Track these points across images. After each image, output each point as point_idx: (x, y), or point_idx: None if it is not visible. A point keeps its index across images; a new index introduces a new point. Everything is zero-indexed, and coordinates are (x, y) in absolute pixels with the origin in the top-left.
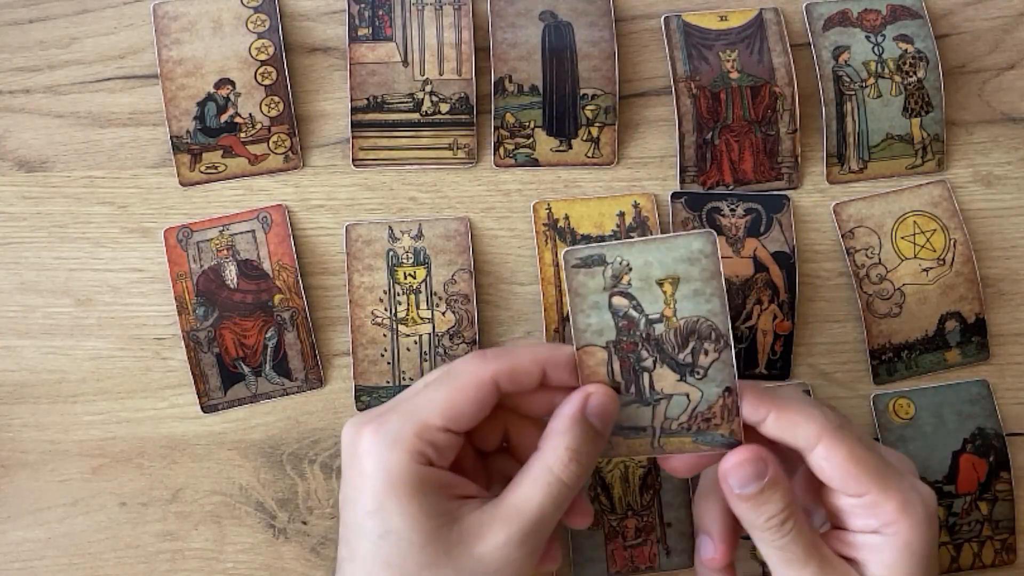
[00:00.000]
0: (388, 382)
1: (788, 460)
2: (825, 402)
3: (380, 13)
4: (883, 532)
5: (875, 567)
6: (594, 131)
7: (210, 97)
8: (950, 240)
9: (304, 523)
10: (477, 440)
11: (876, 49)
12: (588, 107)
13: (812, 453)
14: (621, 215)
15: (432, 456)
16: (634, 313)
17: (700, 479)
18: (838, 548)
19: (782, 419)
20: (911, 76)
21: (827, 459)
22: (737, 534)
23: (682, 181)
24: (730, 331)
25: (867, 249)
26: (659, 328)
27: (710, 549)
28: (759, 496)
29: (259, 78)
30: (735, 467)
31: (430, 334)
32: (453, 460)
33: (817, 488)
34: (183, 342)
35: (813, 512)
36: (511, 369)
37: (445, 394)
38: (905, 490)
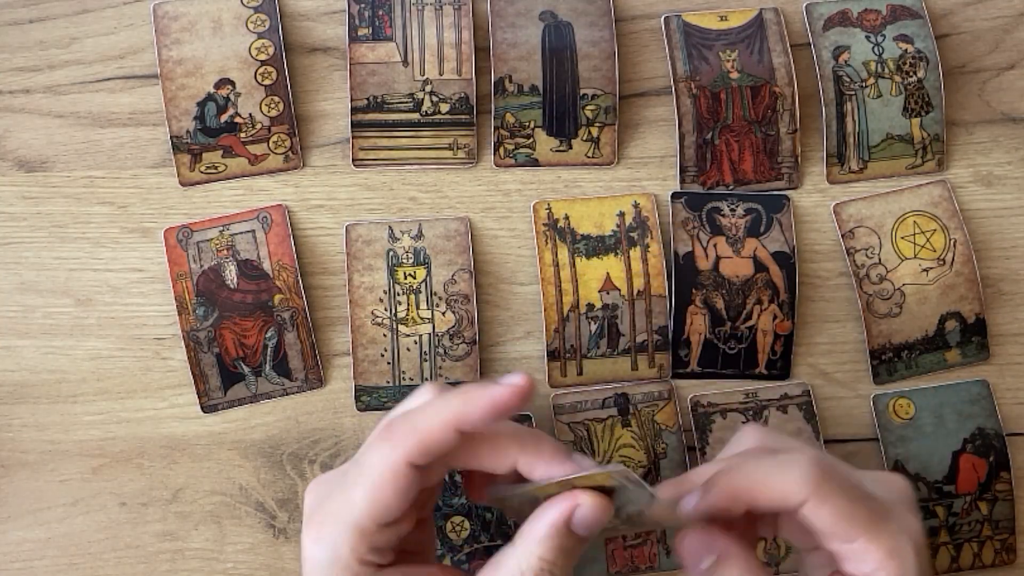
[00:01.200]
0: (388, 382)
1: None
2: (825, 402)
3: (380, 13)
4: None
5: None
6: (594, 131)
7: (210, 97)
8: (950, 240)
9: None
10: (430, 483)
11: (876, 49)
12: (588, 107)
13: (799, 514)
14: (621, 215)
15: (377, 558)
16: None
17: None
18: None
19: (762, 500)
20: (911, 76)
21: (814, 517)
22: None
23: (682, 181)
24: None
25: (867, 249)
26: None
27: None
28: (714, 570)
29: (259, 78)
30: (684, 545)
31: (430, 334)
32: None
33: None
34: (183, 342)
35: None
36: (421, 448)
37: (365, 493)
38: (893, 534)
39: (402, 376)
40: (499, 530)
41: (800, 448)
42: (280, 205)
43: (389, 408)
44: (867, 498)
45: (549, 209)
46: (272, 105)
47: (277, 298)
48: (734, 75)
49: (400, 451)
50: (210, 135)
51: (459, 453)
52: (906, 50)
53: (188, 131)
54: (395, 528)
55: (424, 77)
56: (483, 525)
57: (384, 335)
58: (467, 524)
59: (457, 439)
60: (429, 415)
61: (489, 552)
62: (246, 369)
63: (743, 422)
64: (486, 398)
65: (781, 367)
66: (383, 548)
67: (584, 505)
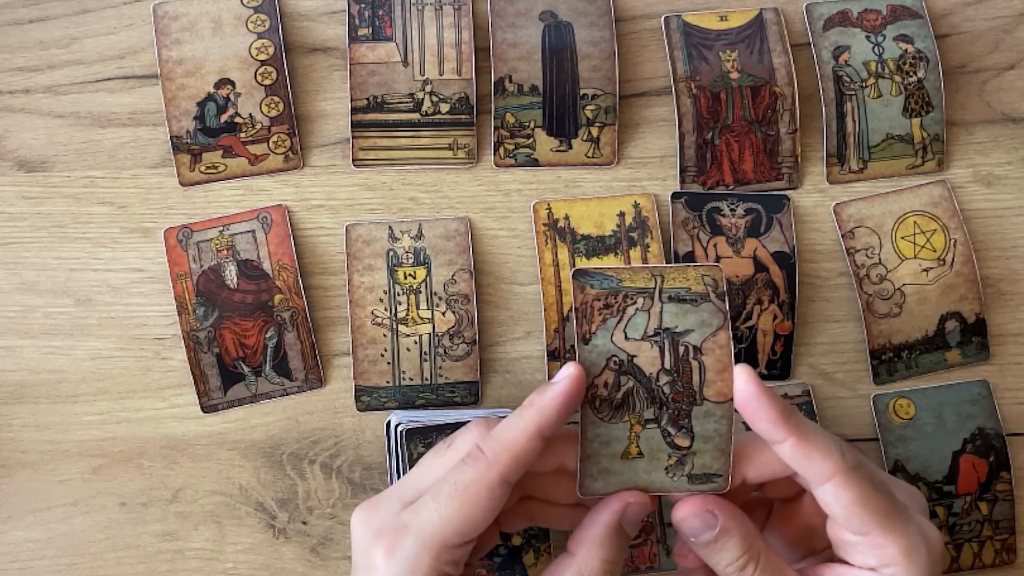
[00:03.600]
0: (388, 382)
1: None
2: (825, 402)
3: (380, 13)
4: (881, 572)
5: None
6: (594, 131)
7: (210, 97)
8: (950, 240)
9: (304, 523)
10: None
11: (876, 49)
12: (588, 107)
13: (820, 488)
14: (621, 215)
15: (452, 571)
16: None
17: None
18: None
19: (799, 449)
20: (911, 76)
21: (835, 498)
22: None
23: (682, 181)
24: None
25: (867, 249)
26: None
27: (682, 557)
28: (714, 544)
29: (259, 78)
30: (684, 520)
31: (430, 334)
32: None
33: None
34: (183, 342)
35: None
36: (515, 462)
37: (457, 510)
38: (911, 534)
39: (402, 376)
40: (505, 535)
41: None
42: (280, 205)
43: (389, 408)
44: (890, 494)
45: (549, 209)
46: (272, 105)
47: (277, 298)
48: (734, 75)
49: (496, 469)
50: (210, 135)
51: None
52: (906, 50)
53: (188, 131)
54: (472, 544)
55: (424, 77)
56: None
57: (384, 335)
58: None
59: (541, 447)
60: (514, 429)
61: (489, 555)
62: (246, 369)
63: None
64: (557, 397)
65: (781, 367)
66: (459, 562)
67: (635, 504)
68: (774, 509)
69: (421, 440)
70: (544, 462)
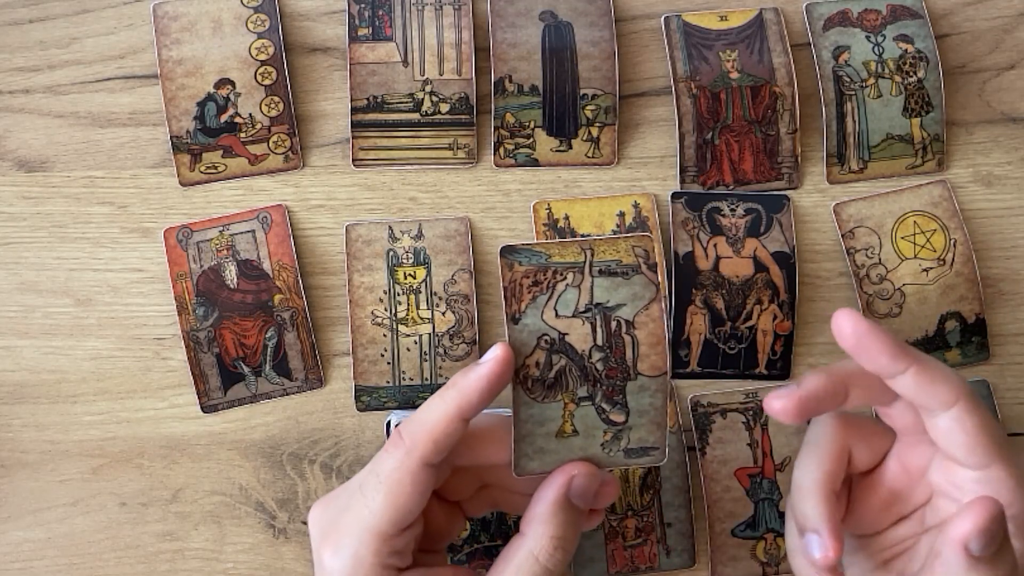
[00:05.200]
0: (388, 382)
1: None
2: None
3: (380, 13)
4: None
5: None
6: (594, 131)
7: (210, 97)
8: (950, 240)
9: (304, 523)
10: (447, 495)
11: (876, 49)
12: (588, 107)
13: (943, 416)
14: (621, 215)
15: (397, 561)
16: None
17: (794, 479)
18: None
19: (923, 375)
20: (911, 76)
21: (960, 424)
22: (841, 529)
23: (682, 181)
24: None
25: (867, 249)
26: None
27: (822, 547)
28: (1000, 556)
29: (259, 78)
30: (981, 531)
31: (430, 334)
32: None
33: (911, 473)
34: (183, 342)
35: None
36: (435, 446)
37: (384, 500)
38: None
39: (402, 376)
40: (499, 530)
41: None
42: (280, 205)
43: (389, 408)
44: (1001, 425)
45: (549, 209)
46: (272, 105)
47: (277, 298)
48: (734, 75)
49: (415, 454)
50: (210, 135)
51: (462, 450)
52: (906, 50)
53: (188, 131)
54: (412, 530)
55: (424, 77)
56: (483, 525)
57: (384, 335)
58: (467, 524)
59: (463, 429)
60: (433, 412)
61: (489, 552)
62: (246, 369)
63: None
64: (480, 379)
65: (781, 367)
66: (403, 551)
67: (579, 475)
68: (854, 486)
69: None
70: (495, 454)
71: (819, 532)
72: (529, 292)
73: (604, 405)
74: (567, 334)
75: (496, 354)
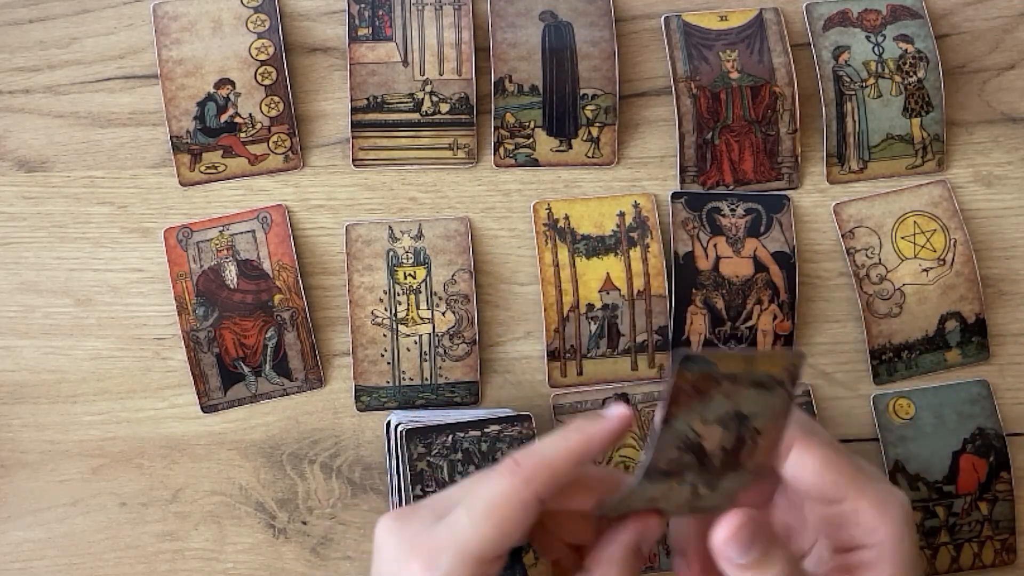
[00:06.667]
0: (388, 382)
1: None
2: (825, 402)
3: (380, 13)
4: (869, 544)
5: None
6: (594, 131)
7: (210, 97)
8: (950, 240)
9: (304, 523)
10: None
11: (876, 49)
12: (588, 107)
13: (785, 463)
14: (621, 215)
15: None
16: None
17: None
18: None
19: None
20: (911, 76)
21: (800, 466)
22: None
23: (682, 181)
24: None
25: (867, 249)
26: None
27: (684, 567)
28: (764, 560)
29: (259, 78)
30: (734, 536)
31: (430, 334)
32: None
33: (799, 510)
34: (183, 342)
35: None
36: (552, 482)
37: (494, 525)
38: (881, 492)
39: (402, 376)
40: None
41: None
42: (280, 205)
43: (389, 408)
44: (852, 456)
45: (549, 209)
46: (272, 105)
47: (277, 298)
48: (734, 75)
49: (532, 486)
50: (210, 135)
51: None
52: (906, 50)
53: (188, 131)
54: (503, 559)
55: (424, 77)
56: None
57: (384, 335)
58: None
59: (576, 471)
60: (557, 449)
61: (509, 567)
62: (246, 369)
63: None
64: (605, 431)
65: None
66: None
67: (653, 526)
68: None
69: (421, 440)
70: (583, 500)
71: (684, 554)
72: (688, 399)
73: (700, 486)
74: (704, 438)
75: (621, 412)
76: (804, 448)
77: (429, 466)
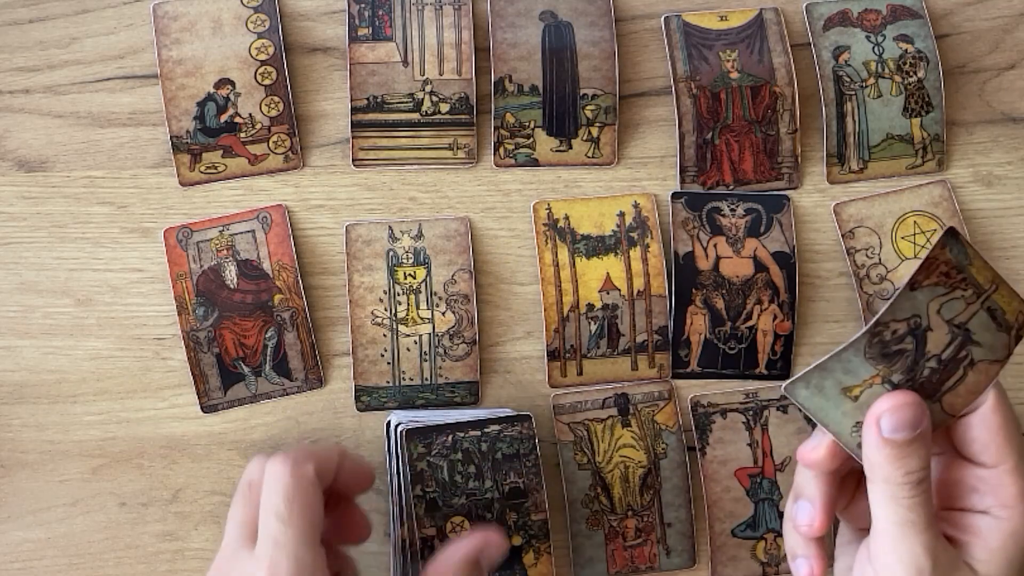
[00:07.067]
0: (388, 382)
1: None
2: None
3: (380, 13)
4: (994, 515)
5: (978, 550)
6: (594, 131)
7: (210, 97)
8: None
9: None
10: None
11: (876, 49)
12: (588, 107)
13: (975, 411)
14: (621, 215)
15: None
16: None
17: (802, 446)
18: (940, 527)
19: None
20: (911, 76)
21: (985, 419)
22: (835, 508)
23: (682, 181)
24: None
25: (867, 249)
26: None
27: (809, 515)
28: (907, 446)
29: (259, 78)
30: (893, 409)
31: (430, 334)
32: None
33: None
34: (183, 342)
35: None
36: (318, 461)
37: (299, 511)
38: None
39: (402, 376)
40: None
41: None
42: (280, 205)
43: (389, 408)
44: (1022, 438)
45: (549, 209)
46: (272, 105)
47: (277, 298)
48: (734, 75)
49: (308, 462)
50: (210, 135)
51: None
52: (906, 50)
53: (188, 131)
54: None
55: (424, 77)
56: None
57: (384, 335)
58: (467, 524)
59: (333, 477)
60: (317, 444)
61: (508, 567)
62: (246, 369)
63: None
64: (349, 457)
65: (781, 367)
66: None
67: (493, 546)
68: (863, 481)
69: (421, 440)
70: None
71: (812, 502)
72: (938, 277)
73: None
74: (931, 331)
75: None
76: (997, 406)
77: (429, 466)
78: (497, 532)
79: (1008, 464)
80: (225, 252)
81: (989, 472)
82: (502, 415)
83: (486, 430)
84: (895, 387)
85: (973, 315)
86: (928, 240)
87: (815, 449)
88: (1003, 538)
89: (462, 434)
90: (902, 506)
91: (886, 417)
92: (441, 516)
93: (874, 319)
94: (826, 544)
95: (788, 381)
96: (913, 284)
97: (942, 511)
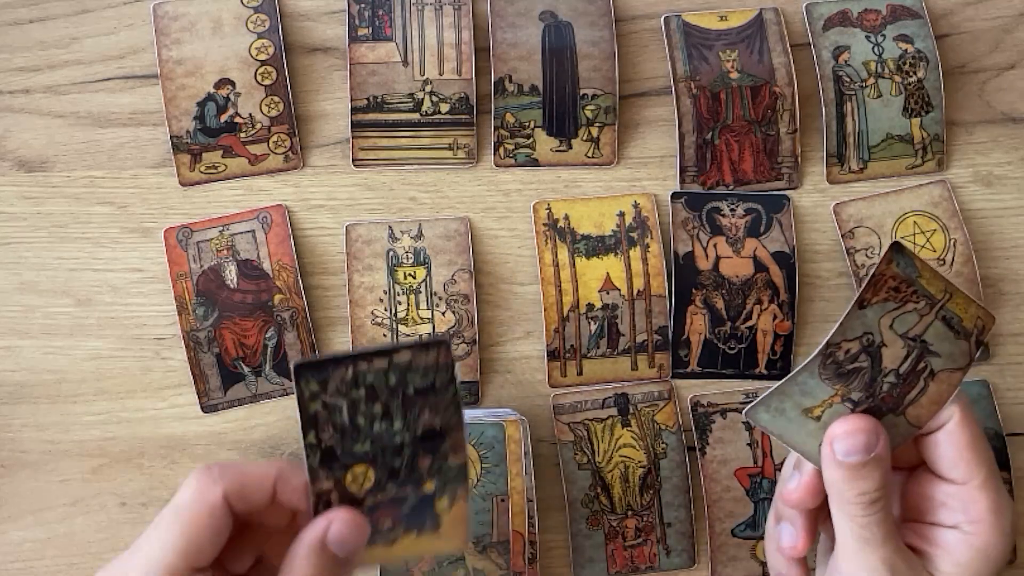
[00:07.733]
0: None
1: None
2: None
3: (380, 13)
4: (963, 529)
5: (946, 563)
6: (594, 131)
7: (210, 97)
8: (950, 240)
9: None
10: (229, 564)
11: (876, 49)
12: (588, 107)
13: (941, 428)
14: (621, 215)
15: None
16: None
17: (784, 465)
18: (909, 539)
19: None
20: (911, 76)
21: (952, 436)
22: (817, 527)
23: (682, 181)
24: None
25: (867, 249)
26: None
27: (792, 537)
28: (860, 468)
29: (259, 78)
30: (846, 434)
31: (430, 334)
32: None
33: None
34: (183, 342)
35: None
36: (240, 484)
37: (179, 531)
38: (1001, 493)
39: None
40: (410, 477)
41: None
42: (280, 205)
43: None
44: (992, 451)
45: (549, 209)
46: (272, 105)
47: (277, 298)
48: (734, 75)
49: (221, 484)
50: (210, 135)
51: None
52: (906, 50)
53: (188, 131)
54: (208, 571)
55: (424, 77)
56: (391, 473)
57: (384, 335)
58: (371, 473)
59: (270, 495)
60: (256, 463)
61: (396, 504)
62: (246, 369)
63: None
64: (300, 476)
65: (781, 367)
66: None
67: (337, 521)
68: None
69: (314, 376)
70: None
71: (794, 523)
72: (887, 293)
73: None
74: (886, 347)
75: (341, 516)
76: (963, 422)
77: (325, 407)
78: (345, 509)
79: (977, 480)
80: (225, 252)
81: (959, 488)
82: (494, 418)
83: (395, 360)
84: (856, 404)
85: (928, 326)
86: (928, 240)
87: (795, 491)
88: (971, 553)
89: (365, 365)
90: (857, 524)
91: (838, 441)
92: (340, 467)
93: (824, 341)
94: (806, 563)
95: (749, 406)
96: (862, 302)
97: (912, 523)
